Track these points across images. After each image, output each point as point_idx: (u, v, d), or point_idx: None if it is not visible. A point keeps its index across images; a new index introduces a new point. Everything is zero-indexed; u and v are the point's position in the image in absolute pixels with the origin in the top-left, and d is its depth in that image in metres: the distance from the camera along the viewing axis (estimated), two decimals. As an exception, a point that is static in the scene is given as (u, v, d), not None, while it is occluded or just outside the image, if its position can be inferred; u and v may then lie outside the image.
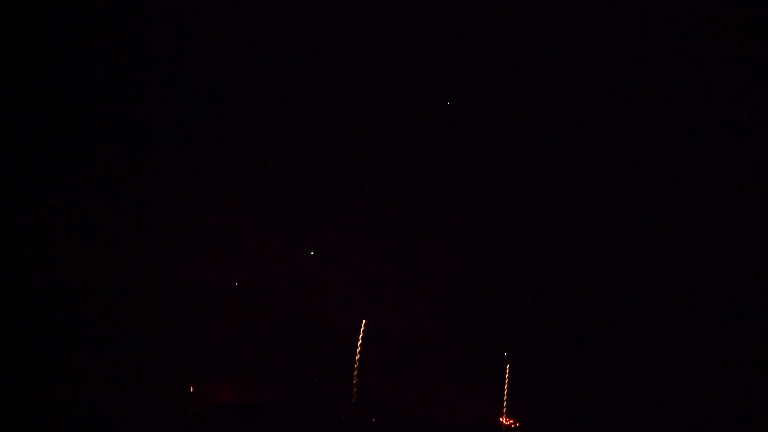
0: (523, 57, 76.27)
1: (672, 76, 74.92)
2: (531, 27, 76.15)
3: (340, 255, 71.87)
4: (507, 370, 71.84)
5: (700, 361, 71.85)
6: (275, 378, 71.19)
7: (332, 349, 71.81)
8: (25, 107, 74.45)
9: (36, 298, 72.65)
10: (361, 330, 70.27)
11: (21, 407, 67.82)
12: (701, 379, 71.08)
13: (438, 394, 71.66)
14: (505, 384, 71.72)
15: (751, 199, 73.96)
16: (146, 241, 73.01)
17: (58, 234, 73.95)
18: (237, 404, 70.09)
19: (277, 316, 72.08)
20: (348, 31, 77.61)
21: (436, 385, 71.84)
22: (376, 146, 76.26)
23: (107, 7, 75.79)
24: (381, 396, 70.84)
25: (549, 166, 76.42)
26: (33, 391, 69.25)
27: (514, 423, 70.55)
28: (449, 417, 70.68)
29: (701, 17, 74.20)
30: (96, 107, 75.80)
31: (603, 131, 76.89)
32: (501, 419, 70.55)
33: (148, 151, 75.19)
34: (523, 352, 73.03)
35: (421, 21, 77.89)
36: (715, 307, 73.31)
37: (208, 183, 75.01)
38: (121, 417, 68.97)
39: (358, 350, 70.17)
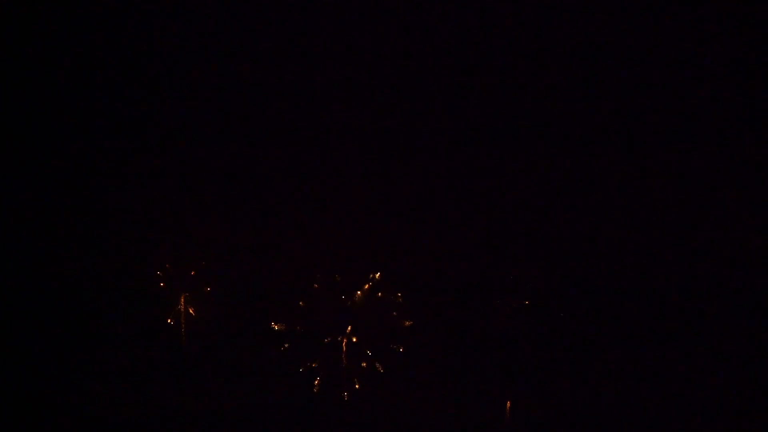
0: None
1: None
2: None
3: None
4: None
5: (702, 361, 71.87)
6: (274, 378, 71.28)
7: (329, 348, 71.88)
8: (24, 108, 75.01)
9: (36, 298, 72.92)
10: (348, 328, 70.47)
11: (21, 407, 68.05)
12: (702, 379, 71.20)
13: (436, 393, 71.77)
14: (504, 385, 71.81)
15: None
16: (146, 241, 73.37)
17: (59, 234, 74.20)
18: (236, 404, 70.19)
19: (275, 315, 72.15)
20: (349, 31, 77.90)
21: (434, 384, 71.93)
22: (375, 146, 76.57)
23: (108, 8, 76.23)
24: (378, 395, 70.94)
25: (552, 166, 76.66)
26: (33, 391, 69.42)
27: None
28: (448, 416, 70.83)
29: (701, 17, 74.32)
30: (97, 109, 76.37)
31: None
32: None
33: (146, 152, 75.74)
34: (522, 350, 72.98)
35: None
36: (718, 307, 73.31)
37: (205, 183, 75.29)
38: (122, 417, 69.15)
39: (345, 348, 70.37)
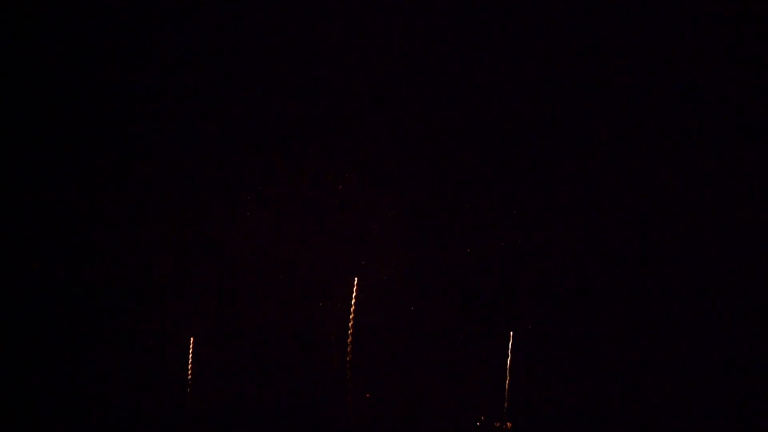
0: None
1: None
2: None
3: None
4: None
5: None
6: (274, 377, 70.92)
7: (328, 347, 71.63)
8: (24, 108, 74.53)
9: (36, 298, 72.58)
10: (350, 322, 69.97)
11: (20, 407, 67.74)
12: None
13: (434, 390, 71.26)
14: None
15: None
16: (143, 239, 72.73)
17: (58, 232, 73.79)
18: (237, 404, 69.91)
19: (276, 314, 71.91)
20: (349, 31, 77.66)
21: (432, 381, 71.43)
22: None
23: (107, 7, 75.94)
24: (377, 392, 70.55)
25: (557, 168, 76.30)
26: (32, 391, 69.06)
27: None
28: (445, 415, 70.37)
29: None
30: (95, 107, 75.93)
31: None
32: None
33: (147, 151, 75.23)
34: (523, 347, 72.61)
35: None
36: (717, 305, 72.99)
37: (204, 183, 74.73)
38: (121, 417, 68.85)
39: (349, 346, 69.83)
